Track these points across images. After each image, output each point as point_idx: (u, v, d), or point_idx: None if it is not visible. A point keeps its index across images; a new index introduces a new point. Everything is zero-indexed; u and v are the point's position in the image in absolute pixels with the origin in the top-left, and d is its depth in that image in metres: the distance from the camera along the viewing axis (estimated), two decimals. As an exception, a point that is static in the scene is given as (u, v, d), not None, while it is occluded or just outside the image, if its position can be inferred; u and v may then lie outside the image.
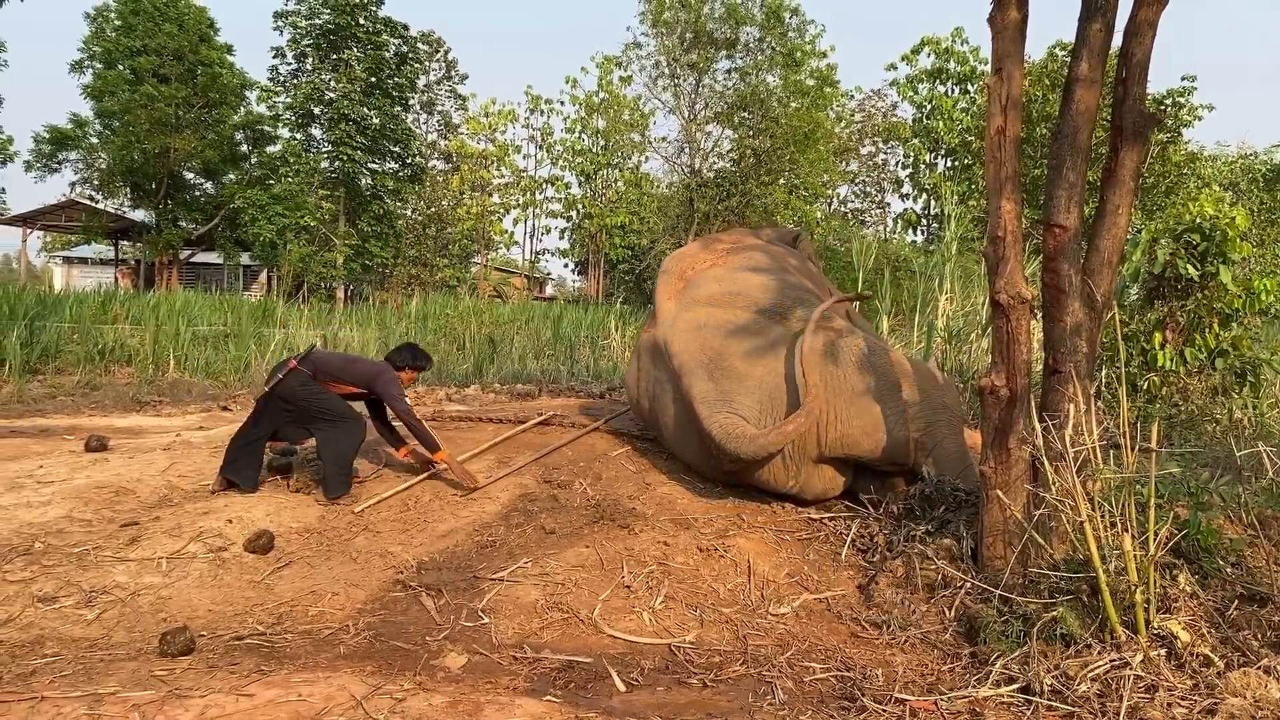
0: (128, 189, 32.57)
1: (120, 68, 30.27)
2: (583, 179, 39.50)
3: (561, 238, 41.64)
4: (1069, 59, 4.65)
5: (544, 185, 41.56)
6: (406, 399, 5.98)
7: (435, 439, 5.98)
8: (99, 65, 30.67)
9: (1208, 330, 7.02)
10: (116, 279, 36.93)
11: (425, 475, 6.14)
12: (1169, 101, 18.65)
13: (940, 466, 5.51)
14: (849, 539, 5.29)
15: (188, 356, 13.52)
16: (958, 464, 5.56)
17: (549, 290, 49.99)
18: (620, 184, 38.79)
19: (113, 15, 30.81)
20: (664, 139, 39.08)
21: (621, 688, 3.72)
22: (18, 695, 3.33)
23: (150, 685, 3.44)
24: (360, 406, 6.19)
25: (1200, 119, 19.24)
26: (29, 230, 36.81)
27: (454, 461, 6.04)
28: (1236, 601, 3.93)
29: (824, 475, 5.71)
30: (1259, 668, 3.41)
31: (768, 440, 5.27)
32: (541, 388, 10.04)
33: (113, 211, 34.09)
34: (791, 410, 5.41)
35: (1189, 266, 6.99)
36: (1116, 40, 4.67)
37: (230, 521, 5.31)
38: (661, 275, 6.58)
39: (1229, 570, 4.12)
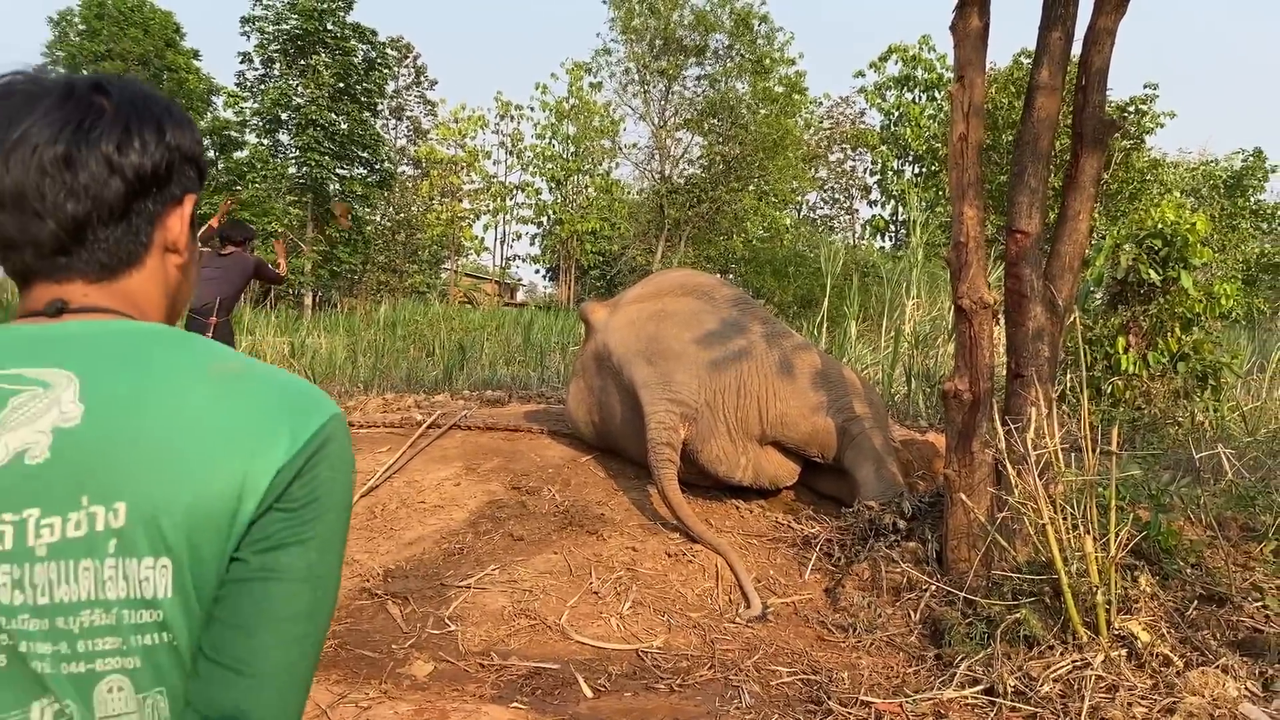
0: (92, 195, 32.19)
1: (85, 72, 29.83)
2: (553, 185, 39.53)
3: (532, 244, 41.70)
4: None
5: (514, 191, 41.52)
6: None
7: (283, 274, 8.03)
8: (63, 70, 30.23)
9: (1169, 334, 7.10)
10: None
11: (396, 463, 6.21)
12: (1131, 109, 18.91)
13: (860, 458, 5.68)
14: (815, 543, 5.32)
15: (152, 364, 13.37)
16: (877, 458, 5.71)
17: (520, 296, 49.89)
18: (591, 190, 38.87)
19: (76, 20, 30.46)
20: (634, 145, 39.38)
21: (589, 694, 3.72)
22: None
23: (110, 697, 3.39)
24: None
25: (1162, 126, 19.57)
26: (-10, 237, 36.30)
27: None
28: (1196, 602, 3.99)
29: (773, 459, 5.86)
30: (1217, 667, 3.46)
31: (661, 473, 5.38)
32: (511, 394, 9.97)
33: (76, 217, 33.68)
34: (726, 382, 5.59)
35: (1151, 271, 7.07)
36: (1077, 48, 4.74)
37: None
38: (584, 314, 6.63)
39: (1189, 571, 4.18)
